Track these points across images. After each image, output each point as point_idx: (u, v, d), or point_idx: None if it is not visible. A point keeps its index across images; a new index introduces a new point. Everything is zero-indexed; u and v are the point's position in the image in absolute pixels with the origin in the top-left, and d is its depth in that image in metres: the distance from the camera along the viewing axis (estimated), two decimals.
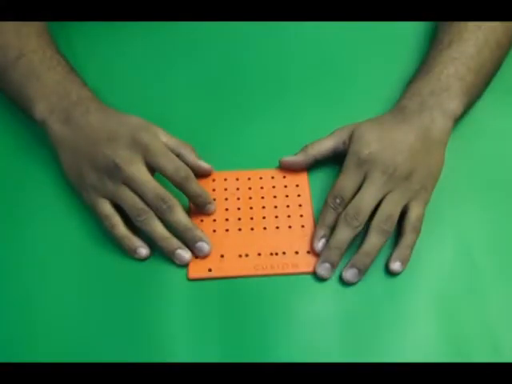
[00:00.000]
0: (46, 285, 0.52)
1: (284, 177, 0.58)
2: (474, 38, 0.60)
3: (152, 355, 0.49)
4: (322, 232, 0.53)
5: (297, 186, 0.57)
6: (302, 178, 0.58)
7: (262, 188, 0.57)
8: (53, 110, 0.56)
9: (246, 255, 0.53)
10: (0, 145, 0.61)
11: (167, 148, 0.54)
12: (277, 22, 0.68)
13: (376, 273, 0.53)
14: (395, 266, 0.52)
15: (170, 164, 0.53)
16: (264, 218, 0.55)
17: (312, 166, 0.58)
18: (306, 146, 0.58)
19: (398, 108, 0.58)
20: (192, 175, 0.54)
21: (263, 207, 0.56)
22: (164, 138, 0.55)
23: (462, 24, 0.61)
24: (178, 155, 0.55)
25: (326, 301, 0.52)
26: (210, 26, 0.68)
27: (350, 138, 0.55)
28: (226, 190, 0.57)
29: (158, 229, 0.52)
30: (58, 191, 0.57)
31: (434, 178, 0.55)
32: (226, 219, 0.55)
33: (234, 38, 0.68)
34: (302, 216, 0.55)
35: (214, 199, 0.56)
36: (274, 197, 0.57)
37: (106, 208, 0.53)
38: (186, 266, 0.53)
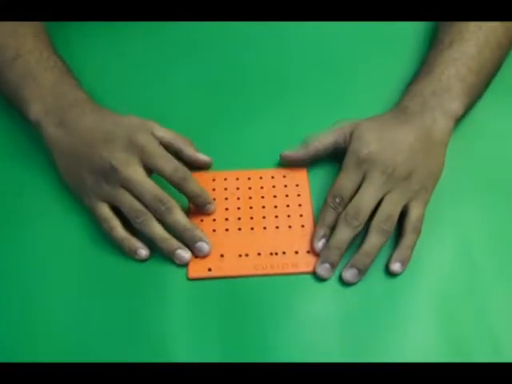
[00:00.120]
0: (46, 285, 0.52)
1: (284, 176, 0.58)
2: (474, 39, 0.60)
3: (152, 355, 0.49)
4: (321, 232, 0.53)
5: (297, 185, 0.57)
6: (302, 178, 0.58)
7: (261, 188, 0.57)
8: (47, 112, 0.56)
9: (246, 255, 0.53)
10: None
11: (165, 143, 0.54)
12: (277, 22, 0.68)
13: (376, 273, 0.53)
14: (395, 266, 0.52)
15: (167, 165, 0.53)
16: (264, 217, 0.55)
17: (312, 162, 0.58)
18: (307, 141, 0.58)
19: (399, 108, 0.58)
20: (190, 175, 0.54)
21: (263, 207, 0.56)
22: (160, 132, 0.55)
23: (463, 24, 0.61)
24: (176, 150, 0.55)
25: (326, 301, 0.52)
26: (210, 26, 0.68)
27: (351, 136, 0.55)
28: (225, 189, 0.57)
29: (157, 230, 0.52)
30: (58, 191, 0.57)
31: (434, 178, 0.55)
32: (226, 219, 0.55)
33: (234, 38, 0.68)
34: (301, 216, 0.55)
35: (214, 199, 0.56)
36: (274, 196, 0.57)
37: (105, 211, 0.53)
38: (186, 265, 0.53)
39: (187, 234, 0.53)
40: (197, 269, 0.53)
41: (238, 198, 0.57)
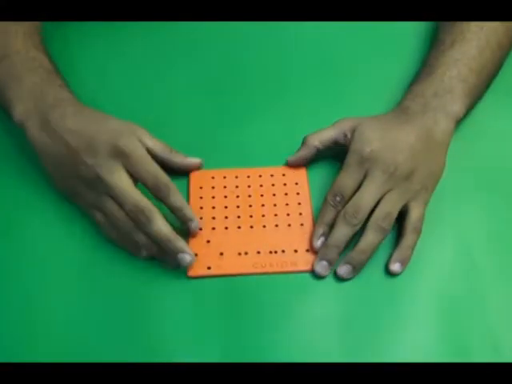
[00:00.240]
0: (47, 285, 0.52)
1: (283, 174, 0.58)
2: (476, 39, 0.60)
3: (152, 355, 0.49)
4: (321, 230, 0.53)
5: (296, 183, 0.58)
6: (301, 176, 0.58)
7: (261, 186, 0.57)
8: (30, 113, 0.55)
9: (245, 253, 0.53)
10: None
11: (153, 152, 0.54)
12: (277, 22, 0.67)
13: (376, 273, 0.53)
14: (395, 267, 0.52)
15: (150, 176, 0.52)
16: (263, 216, 0.55)
17: (314, 159, 0.58)
18: (306, 138, 0.58)
19: (400, 108, 0.58)
20: (173, 188, 0.52)
21: (262, 205, 0.56)
22: (149, 142, 0.54)
23: (465, 24, 0.61)
24: (164, 159, 0.55)
25: (326, 300, 0.52)
26: (210, 26, 0.68)
27: (352, 134, 0.55)
28: (225, 187, 0.57)
29: (141, 241, 0.52)
30: (57, 191, 0.57)
31: (434, 178, 0.55)
32: (226, 217, 0.55)
33: (234, 38, 0.68)
34: (301, 214, 0.55)
35: (214, 197, 0.56)
36: (274, 195, 0.57)
37: (98, 215, 0.53)
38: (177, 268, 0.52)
39: (169, 245, 0.51)
40: (196, 267, 0.53)
41: (238, 196, 0.57)
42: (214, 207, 0.56)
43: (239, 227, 0.55)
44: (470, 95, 0.58)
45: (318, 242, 0.53)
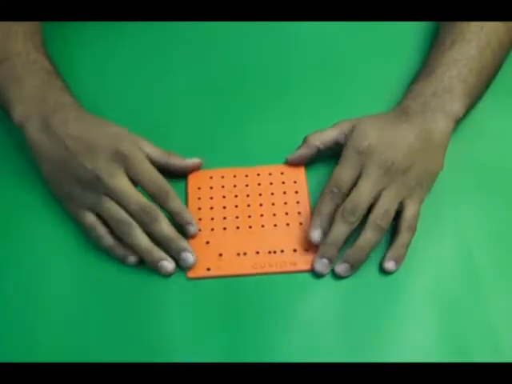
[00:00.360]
0: (46, 285, 0.52)
1: (282, 173, 0.58)
2: (476, 39, 0.60)
3: (151, 355, 0.49)
4: (318, 221, 0.53)
5: (295, 182, 0.57)
6: (300, 174, 0.58)
7: (259, 184, 0.57)
8: (30, 115, 0.55)
9: (244, 254, 0.53)
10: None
11: (152, 159, 0.54)
12: (277, 22, 0.67)
13: (376, 273, 0.53)
14: (389, 265, 0.52)
15: (150, 180, 0.52)
16: (262, 215, 0.55)
17: (314, 159, 0.58)
18: (307, 138, 0.58)
19: (400, 108, 0.58)
20: (172, 193, 0.53)
21: (261, 204, 0.56)
22: (147, 148, 0.54)
23: (465, 24, 0.61)
24: (163, 165, 0.55)
25: (326, 300, 0.52)
26: (210, 25, 0.68)
27: (351, 130, 0.55)
28: (223, 187, 0.57)
29: (141, 241, 0.52)
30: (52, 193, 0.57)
31: (431, 176, 0.55)
32: (224, 217, 0.55)
33: (234, 38, 0.68)
34: (299, 213, 0.55)
35: (212, 197, 0.56)
36: (272, 194, 0.57)
37: (90, 219, 0.53)
38: (170, 275, 0.52)
39: (172, 245, 0.52)
40: (196, 268, 0.53)
41: (236, 196, 0.57)
42: (212, 208, 0.56)
43: (238, 227, 0.55)
44: (470, 95, 0.58)
45: (316, 234, 0.52)
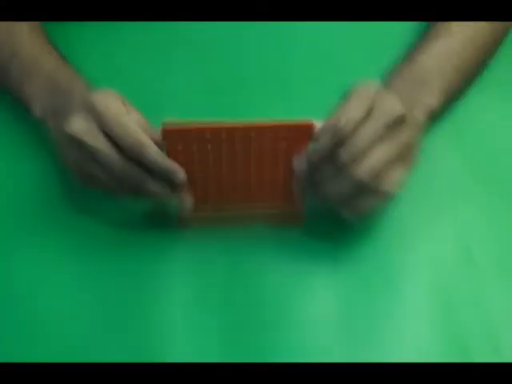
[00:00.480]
0: (46, 285, 0.52)
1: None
2: (460, 35, 0.59)
3: (151, 355, 0.49)
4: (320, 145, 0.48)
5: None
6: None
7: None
8: (47, 109, 0.56)
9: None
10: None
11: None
12: (277, 22, 0.67)
13: (376, 273, 0.53)
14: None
15: (122, 136, 0.49)
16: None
17: None
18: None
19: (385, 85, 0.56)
20: (146, 141, 0.49)
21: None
22: (134, 114, 0.51)
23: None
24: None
25: (326, 300, 0.52)
26: (210, 26, 0.68)
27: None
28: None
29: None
30: (59, 190, 0.57)
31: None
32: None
33: (234, 38, 0.68)
34: None
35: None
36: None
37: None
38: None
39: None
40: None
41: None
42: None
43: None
44: (447, 91, 0.57)
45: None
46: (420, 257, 0.53)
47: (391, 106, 0.49)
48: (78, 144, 0.49)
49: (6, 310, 0.51)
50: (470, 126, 0.61)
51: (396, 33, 0.69)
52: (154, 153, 0.49)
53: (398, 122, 0.49)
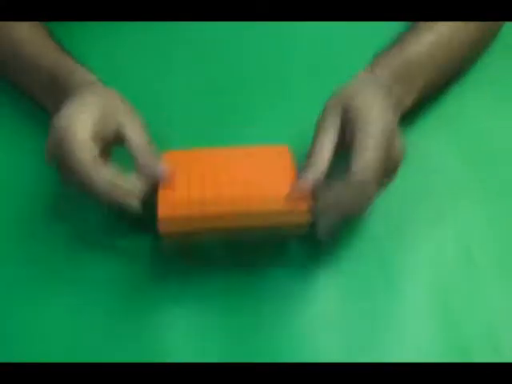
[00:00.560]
0: (46, 285, 0.53)
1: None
2: (446, 29, 0.59)
3: (151, 355, 0.49)
4: (334, 205, 0.48)
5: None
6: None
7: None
8: (53, 105, 0.55)
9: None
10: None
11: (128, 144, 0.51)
12: (277, 22, 0.67)
13: (376, 273, 0.53)
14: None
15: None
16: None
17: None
18: (309, 159, 0.50)
19: (371, 77, 0.55)
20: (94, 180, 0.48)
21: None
22: (129, 132, 0.51)
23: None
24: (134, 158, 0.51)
25: (326, 300, 0.52)
26: (210, 26, 0.68)
27: (348, 114, 0.50)
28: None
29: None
30: (58, 191, 0.57)
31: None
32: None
33: (234, 38, 0.68)
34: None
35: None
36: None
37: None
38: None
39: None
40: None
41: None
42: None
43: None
44: (422, 91, 0.57)
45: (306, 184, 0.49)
46: (420, 257, 0.53)
47: (400, 158, 0.50)
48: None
49: (5, 310, 0.51)
50: (470, 126, 0.61)
51: (396, 33, 0.69)
52: (101, 190, 0.48)
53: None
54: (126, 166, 0.51)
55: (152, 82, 0.65)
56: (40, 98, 0.59)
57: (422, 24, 0.60)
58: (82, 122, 0.50)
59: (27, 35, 0.60)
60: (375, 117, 0.49)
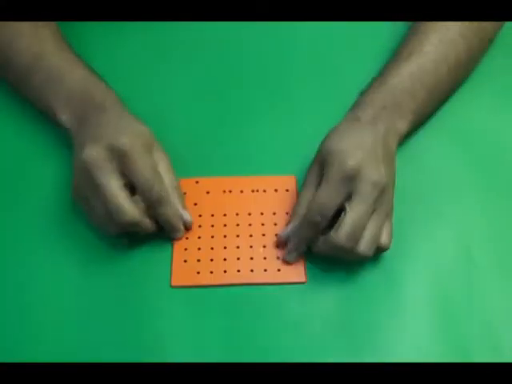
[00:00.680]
0: (46, 284, 0.53)
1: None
2: (433, 53, 0.58)
3: (150, 355, 0.49)
4: (294, 245, 0.52)
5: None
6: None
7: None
8: (74, 118, 0.55)
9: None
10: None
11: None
12: (277, 22, 0.67)
13: (375, 273, 0.53)
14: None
15: (143, 184, 0.50)
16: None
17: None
18: (295, 212, 0.53)
19: (351, 118, 0.55)
20: (167, 197, 0.52)
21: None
22: (161, 163, 0.53)
23: (424, 35, 0.59)
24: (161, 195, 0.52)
25: (325, 300, 0.52)
26: (210, 26, 0.68)
27: (322, 156, 0.52)
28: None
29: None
30: (59, 194, 0.57)
31: (393, 187, 0.53)
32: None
33: (234, 38, 0.68)
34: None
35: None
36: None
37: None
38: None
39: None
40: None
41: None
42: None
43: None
44: (418, 112, 0.57)
45: (291, 257, 0.52)
46: (420, 257, 0.53)
47: (372, 182, 0.49)
48: (86, 170, 0.50)
49: (5, 310, 0.51)
50: (470, 126, 0.61)
51: (396, 33, 0.69)
52: (172, 212, 0.52)
53: (381, 192, 0.50)
54: None
55: (152, 82, 0.65)
56: (52, 107, 0.57)
57: (411, 46, 0.59)
58: (142, 146, 0.51)
59: (52, 45, 0.59)
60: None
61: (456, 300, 0.51)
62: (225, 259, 0.53)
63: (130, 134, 0.51)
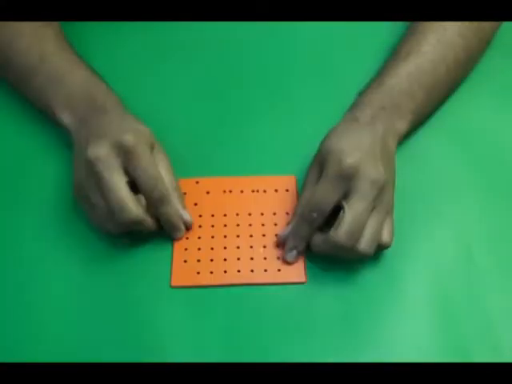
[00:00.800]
0: (46, 284, 0.53)
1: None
2: (431, 53, 0.58)
3: (151, 355, 0.49)
4: (293, 243, 0.52)
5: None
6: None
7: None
8: (75, 118, 0.55)
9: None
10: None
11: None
12: (277, 22, 0.67)
13: (376, 273, 0.53)
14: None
15: (146, 181, 0.50)
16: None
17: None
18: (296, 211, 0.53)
19: (350, 118, 0.55)
20: (169, 196, 0.52)
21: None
22: (160, 161, 0.53)
23: (421, 36, 0.59)
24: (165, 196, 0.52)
25: (325, 300, 0.52)
26: (210, 26, 0.68)
27: (321, 156, 0.52)
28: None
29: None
30: (55, 192, 0.57)
31: (393, 186, 0.53)
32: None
33: (234, 38, 0.68)
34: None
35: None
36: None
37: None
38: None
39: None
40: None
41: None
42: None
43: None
44: (416, 112, 0.56)
45: (291, 256, 0.52)
46: (420, 257, 0.53)
47: (371, 180, 0.49)
48: (89, 167, 0.50)
49: (6, 310, 0.51)
50: (470, 125, 0.61)
51: (397, 33, 0.69)
52: (173, 211, 0.52)
53: (380, 190, 0.50)
54: None
55: (152, 82, 0.65)
56: (52, 106, 0.57)
57: (409, 46, 0.59)
58: (145, 144, 0.52)
59: (54, 46, 0.59)
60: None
61: (456, 300, 0.51)
62: (225, 259, 0.53)
63: (133, 132, 0.51)
